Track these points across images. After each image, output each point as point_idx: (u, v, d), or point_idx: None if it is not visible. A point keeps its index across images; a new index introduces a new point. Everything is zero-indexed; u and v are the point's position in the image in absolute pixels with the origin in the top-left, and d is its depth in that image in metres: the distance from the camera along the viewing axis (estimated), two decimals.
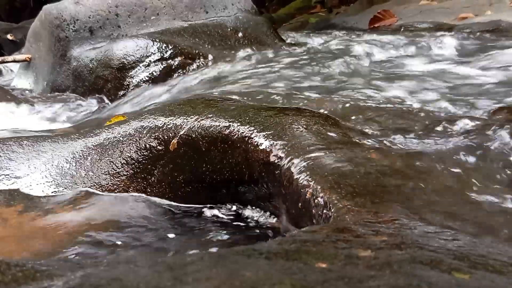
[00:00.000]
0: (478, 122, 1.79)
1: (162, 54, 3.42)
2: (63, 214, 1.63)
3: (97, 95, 3.49)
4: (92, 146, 1.85)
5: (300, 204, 1.29)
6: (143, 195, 1.74)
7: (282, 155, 1.44)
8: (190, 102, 1.84)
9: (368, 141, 1.54)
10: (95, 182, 1.78)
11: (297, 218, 1.36)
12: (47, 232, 1.51)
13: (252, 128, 1.57)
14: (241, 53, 3.47)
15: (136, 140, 1.78)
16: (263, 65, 3.08)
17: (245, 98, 2.26)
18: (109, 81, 3.45)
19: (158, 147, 1.74)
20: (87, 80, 3.57)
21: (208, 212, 1.63)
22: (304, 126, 1.54)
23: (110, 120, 2.33)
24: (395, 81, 2.61)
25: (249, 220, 1.56)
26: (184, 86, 3.05)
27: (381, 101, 2.17)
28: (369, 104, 2.13)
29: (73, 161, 1.83)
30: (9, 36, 6.37)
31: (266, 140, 1.52)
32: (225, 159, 1.62)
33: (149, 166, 1.75)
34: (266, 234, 1.48)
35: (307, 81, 2.70)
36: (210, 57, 3.45)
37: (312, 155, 1.37)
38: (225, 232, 1.50)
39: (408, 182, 1.23)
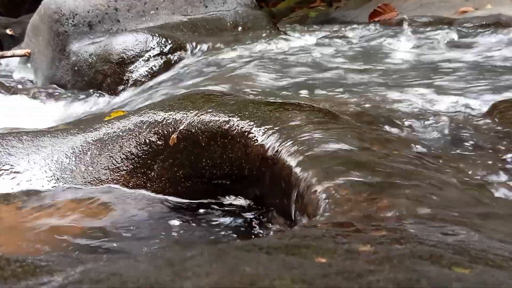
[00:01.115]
0: (477, 116, 1.79)
1: (161, 49, 3.42)
2: (62, 209, 1.63)
3: (96, 90, 3.49)
4: (91, 141, 1.85)
5: (300, 198, 1.29)
6: (143, 190, 1.74)
7: (282, 149, 1.44)
8: (189, 97, 1.84)
9: (368, 134, 1.54)
10: (95, 177, 1.78)
11: (297, 212, 1.36)
12: (47, 227, 1.51)
13: (252, 123, 1.57)
14: (241, 48, 3.46)
15: (136, 135, 1.78)
16: (262, 60, 3.07)
17: (243, 93, 2.26)
18: (109, 76, 3.45)
19: (158, 142, 1.74)
20: (87, 75, 3.56)
21: (207, 207, 1.63)
22: (304, 120, 1.53)
23: (110, 115, 2.32)
24: (392, 76, 2.60)
25: (249, 215, 1.56)
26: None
27: (378, 96, 2.16)
28: (368, 98, 2.13)
29: (72, 156, 1.83)
30: (8, 31, 6.36)
31: (265, 134, 1.52)
32: (224, 154, 1.62)
33: (149, 161, 1.75)
34: (266, 229, 1.48)
35: (305, 76, 2.69)
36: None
37: (312, 149, 1.37)
38: (224, 227, 1.50)
39: (408, 176, 1.23)
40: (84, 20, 3.70)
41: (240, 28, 3.80)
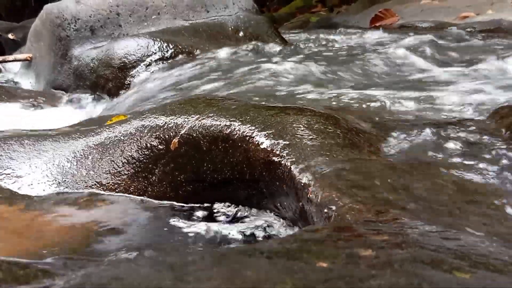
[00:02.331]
0: (478, 122, 1.79)
1: (163, 54, 3.43)
2: (64, 213, 1.63)
3: (98, 94, 3.49)
4: (93, 145, 1.85)
5: (301, 203, 1.29)
6: (145, 197, 1.75)
7: (283, 154, 1.44)
8: (191, 102, 1.84)
9: (369, 140, 1.54)
10: (96, 181, 1.78)
11: (298, 217, 1.36)
12: (48, 232, 1.51)
13: (253, 128, 1.57)
14: (242, 52, 3.47)
15: (137, 139, 1.78)
16: (264, 64, 3.08)
17: (245, 97, 2.26)
18: (110, 80, 3.45)
19: (159, 146, 1.74)
20: (88, 80, 3.57)
21: (209, 212, 1.63)
22: (305, 125, 1.54)
23: (111, 119, 2.33)
24: (394, 81, 2.61)
25: (250, 219, 1.56)
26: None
27: (380, 101, 2.17)
28: (369, 103, 2.13)
29: (74, 160, 1.83)
30: (10, 36, 6.38)
31: (267, 139, 1.52)
32: (226, 158, 1.62)
33: (150, 166, 1.75)
34: (268, 233, 1.48)
35: (306, 80, 2.70)
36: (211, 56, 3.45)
37: (313, 154, 1.37)
38: (226, 231, 1.50)
39: (408, 180, 1.23)
40: (86, 25, 3.71)
41: (241, 33, 3.81)
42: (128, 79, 3.40)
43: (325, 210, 1.15)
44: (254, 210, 1.60)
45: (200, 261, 0.69)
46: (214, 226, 1.54)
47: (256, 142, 1.53)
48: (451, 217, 1.07)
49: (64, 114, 3.25)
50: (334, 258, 0.73)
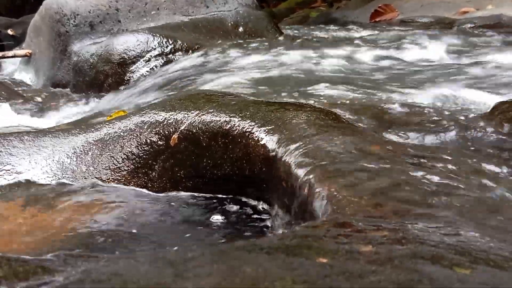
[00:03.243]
0: (477, 117, 1.79)
1: (162, 49, 3.42)
2: (64, 209, 1.63)
3: (97, 90, 3.49)
4: (93, 141, 1.85)
5: (300, 198, 1.29)
6: (145, 190, 1.75)
7: (282, 150, 1.44)
8: (190, 97, 1.84)
9: (369, 136, 1.54)
10: (96, 177, 1.78)
11: (298, 213, 1.36)
12: (49, 227, 1.51)
13: (253, 123, 1.57)
14: (242, 48, 3.46)
15: (137, 135, 1.78)
16: (264, 60, 3.08)
17: (244, 93, 2.26)
18: (110, 76, 3.45)
19: (159, 142, 1.74)
20: (88, 75, 3.57)
21: (208, 207, 1.63)
22: (305, 121, 1.53)
23: (111, 115, 2.32)
24: (393, 76, 2.60)
25: (250, 215, 1.56)
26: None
27: (380, 96, 2.17)
28: (369, 98, 2.13)
29: (74, 156, 1.83)
30: (9, 31, 6.37)
31: (266, 135, 1.52)
32: (225, 154, 1.62)
33: (150, 161, 1.75)
34: (267, 229, 1.48)
35: (306, 75, 2.70)
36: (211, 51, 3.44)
37: (313, 149, 1.37)
38: (225, 227, 1.50)
39: (407, 177, 1.23)
40: (85, 20, 3.70)
41: (241, 29, 3.81)
42: (127, 74, 3.39)
43: (325, 206, 1.15)
44: (254, 206, 1.60)
45: (199, 257, 0.69)
46: (213, 221, 1.54)
47: (256, 138, 1.53)
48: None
49: (63, 110, 3.25)
50: (334, 254, 0.73)
